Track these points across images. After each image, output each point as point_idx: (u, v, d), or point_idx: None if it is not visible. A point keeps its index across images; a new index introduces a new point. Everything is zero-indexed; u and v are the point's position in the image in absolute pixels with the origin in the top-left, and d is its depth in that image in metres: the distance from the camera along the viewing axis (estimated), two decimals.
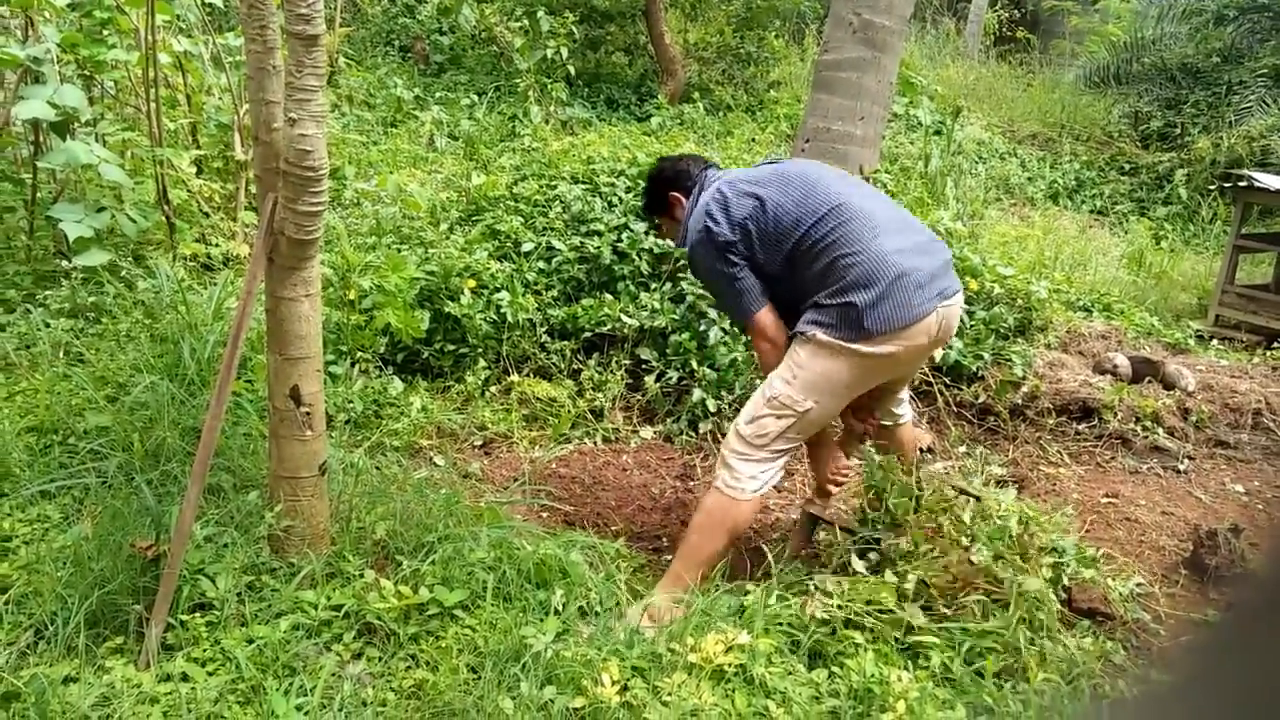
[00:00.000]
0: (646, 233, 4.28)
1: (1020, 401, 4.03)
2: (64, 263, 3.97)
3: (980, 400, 4.06)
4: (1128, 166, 10.01)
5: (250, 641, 2.05)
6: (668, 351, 4.00)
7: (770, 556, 2.54)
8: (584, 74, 9.71)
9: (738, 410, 3.03)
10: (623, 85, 10.09)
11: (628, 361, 4.02)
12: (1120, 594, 2.63)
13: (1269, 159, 8.84)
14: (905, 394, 3.03)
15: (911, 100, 9.01)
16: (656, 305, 4.06)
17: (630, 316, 4.02)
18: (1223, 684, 0.52)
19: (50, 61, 3.81)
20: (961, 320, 3.54)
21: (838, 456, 2.80)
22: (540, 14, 8.76)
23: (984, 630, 2.23)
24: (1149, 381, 4.23)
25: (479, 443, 3.65)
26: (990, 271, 4.49)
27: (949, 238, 4.59)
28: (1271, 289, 6.29)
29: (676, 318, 4.05)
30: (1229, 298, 6.11)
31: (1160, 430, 3.91)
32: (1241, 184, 6.18)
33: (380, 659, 2.09)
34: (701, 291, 4.08)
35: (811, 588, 2.35)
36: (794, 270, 2.54)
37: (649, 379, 3.92)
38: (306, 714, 1.90)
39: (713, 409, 3.82)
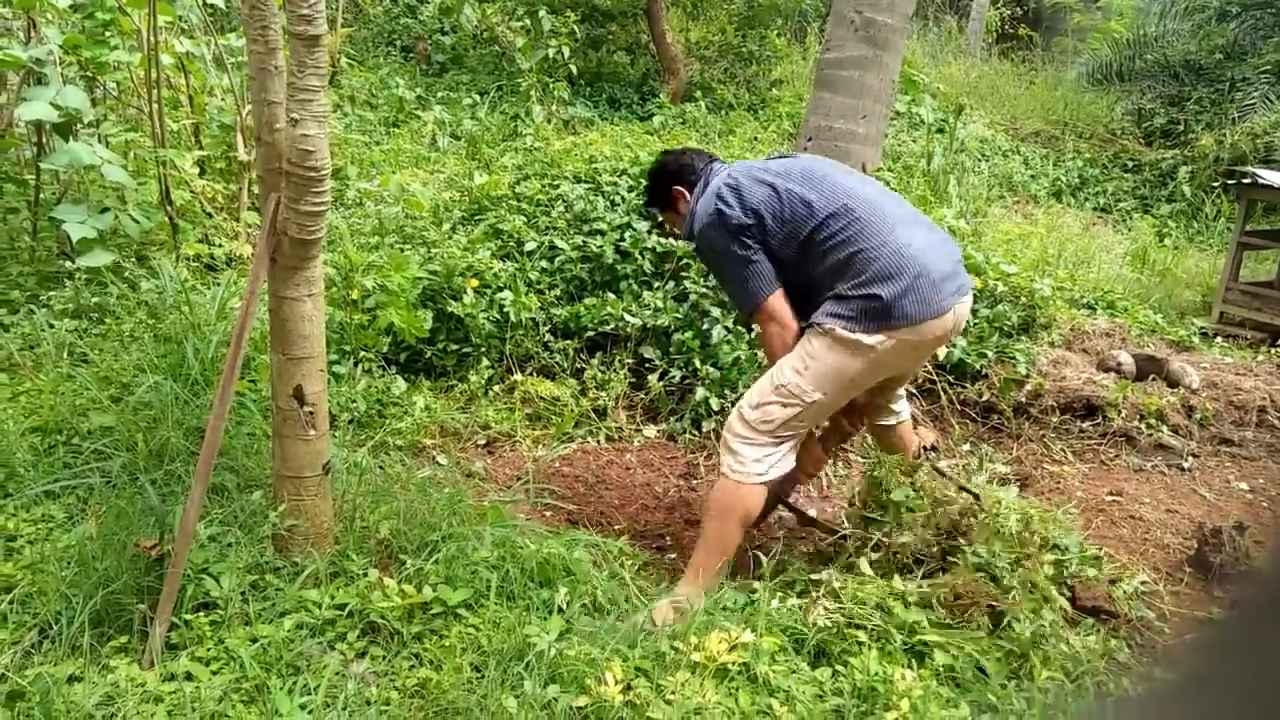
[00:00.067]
0: (649, 231, 4.28)
1: (1024, 399, 4.03)
2: (67, 263, 3.98)
3: (984, 398, 4.06)
4: (1131, 164, 9.99)
5: (254, 641, 2.05)
6: (671, 350, 4.00)
7: (764, 558, 2.54)
8: (586, 73, 9.71)
9: None
10: (625, 84, 10.09)
11: (631, 360, 4.02)
12: (1124, 592, 2.62)
13: (1272, 155, 8.82)
14: (903, 392, 3.02)
15: (914, 98, 9.00)
16: (659, 304, 4.06)
17: (633, 315, 4.02)
18: (1227, 682, 0.52)
19: (53, 63, 3.82)
20: None
21: (816, 449, 2.81)
22: (542, 13, 8.76)
23: (988, 633, 2.23)
24: (1153, 379, 4.22)
25: (482, 442, 3.65)
26: (994, 269, 4.48)
27: (953, 236, 4.58)
28: (1276, 286, 6.27)
29: (679, 316, 4.04)
30: (1233, 295, 6.09)
31: (1164, 428, 3.90)
32: (1245, 181, 6.17)
33: (384, 658, 2.09)
34: (705, 290, 4.07)
35: (816, 590, 2.34)
36: (807, 260, 2.54)
37: (652, 378, 3.92)
38: (310, 713, 1.90)
39: (716, 408, 3.82)
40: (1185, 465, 3.80)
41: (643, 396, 3.97)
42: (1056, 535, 2.60)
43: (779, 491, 2.78)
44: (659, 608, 2.36)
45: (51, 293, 3.82)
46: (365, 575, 2.27)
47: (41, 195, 4.26)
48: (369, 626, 2.16)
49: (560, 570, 2.40)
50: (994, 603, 2.29)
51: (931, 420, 4.04)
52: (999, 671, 2.15)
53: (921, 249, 2.44)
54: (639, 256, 4.22)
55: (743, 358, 3.86)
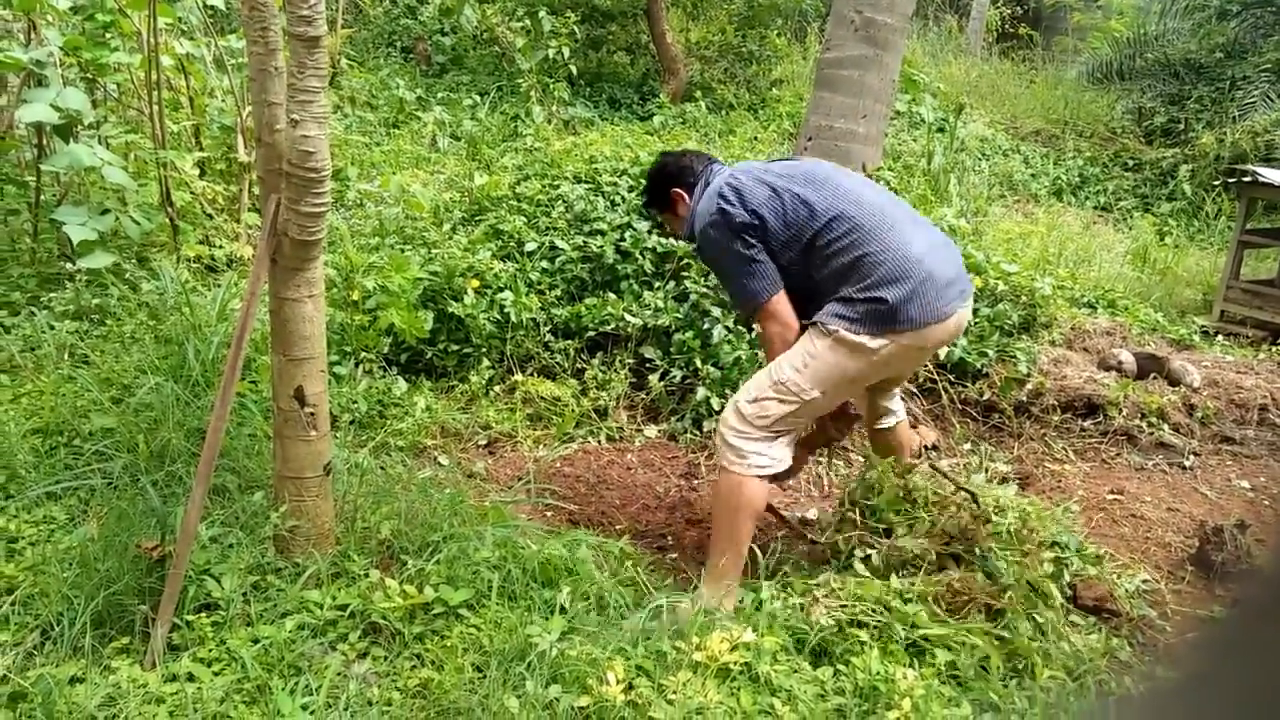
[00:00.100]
0: (649, 231, 4.28)
1: (1025, 398, 4.02)
2: (68, 265, 3.98)
3: (985, 397, 4.06)
4: (1131, 162, 9.99)
5: (256, 641, 2.06)
6: (671, 350, 4.00)
7: (761, 557, 2.54)
8: (586, 73, 9.71)
9: None
10: (625, 84, 10.09)
11: (631, 360, 4.02)
12: (1126, 590, 2.62)
13: (1273, 154, 8.82)
14: (898, 393, 3.03)
15: (914, 98, 9.00)
16: (660, 304, 4.06)
17: (634, 315, 4.02)
18: (1228, 681, 0.52)
19: (53, 65, 3.82)
20: None
21: (796, 452, 2.81)
22: (542, 14, 8.76)
23: (989, 634, 2.22)
24: (1154, 378, 4.22)
25: (483, 442, 3.66)
26: (994, 268, 4.48)
27: (953, 235, 4.59)
28: (1277, 284, 6.27)
29: (680, 316, 4.05)
30: (1234, 293, 6.09)
31: (1165, 426, 3.90)
32: (1246, 179, 6.16)
33: (385, 658, 2.09)
34: (705, 290, 4.07)
35: (816, 591, 2.34)
36: (810, 264, 2.54)
37: (653, 378, 3.92)
38: (312, 714, 1.90)
39: (717, 407, 3.81)
40: (1186, 464, 3.80)
41: (643, 396, 3.97)
42: (1057, 533, 2.61)
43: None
44: (681, 611, 2.34)
45: (52, 294, 3.83)
46: (367, 576, 2.27)
47: (42, 197, 4.27)
48: (370, 627, 2.16)
49: (563, 570, 2.40)
50: (991, 600, 2.29)
51: (932, 419, 4.04)
52: (998, 667, 2.15)
53: (925, 252, 2.45)
54: (639, 256, 4.22)
55: (743, 357, 3.86)
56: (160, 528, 2.30)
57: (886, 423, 2.96)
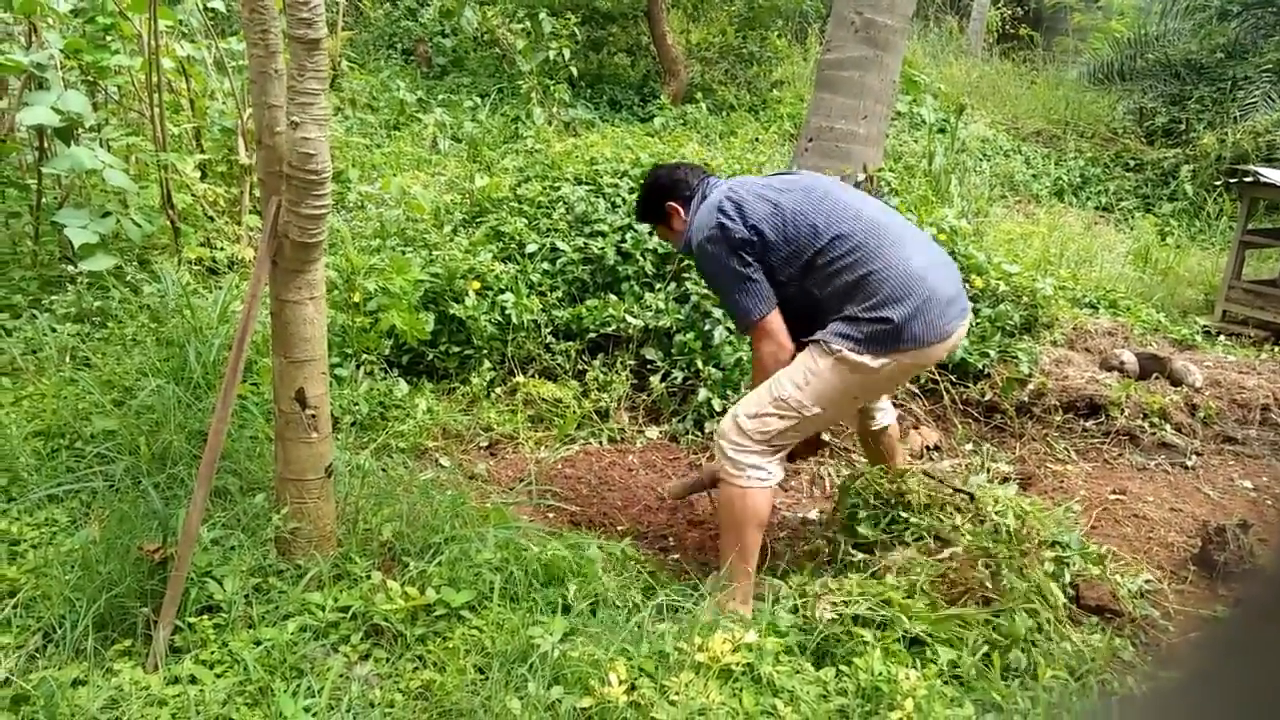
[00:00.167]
0: (650, 233, 4.28)
1: (1027, 399, 4.02)
2: (69, 268, 3.98)
3: (987, 398, 4.05)
4: (1133, 163, 9.99)
5: (258, 643, 2.06)
6: (672, 351, 4.00)
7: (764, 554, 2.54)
8: (586, 75, 9.72)
9: None
10: (625, 86, 10.10)
11: (632, 362, 4.02)
12: (1129, 590, 2.62)
13: (1274, 154, 8.82)
14: (887, 400, 3.02)
15: (915, 98, 9.00)
16: (661, 305, 4.06)
17: (635, 317, 4.02)
18: (1231, 680, 0.52)
19: (54, 67, 3.83)
20: None
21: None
22: (542, 16, 8.77)
23: (986, 619, 2.22)
24: (1156, 378, 4.22)
25: (484, 444, 3.66)
26: (995, 269, 4.48)
27: (954, 235, 4.59)
28: (1278, 284, 6.26)
29: (681, 318, 4.04)
30: (1236, 293, 6.08)
31: (1168, 427, 3.90)
32: (1247, 179, 6.16)
33: (387, 660, 2.09)
34: (706, 291, 4.07)
35: (816, 589, 2.34)
36: (811, 281, 2.52)
37: (654, 379, 3.92)
38: (314, 715, 1.90)
39: (718, 408, 3.81)
40: (1189, 464, 3.79)
41: (645, 398, 3.97)
42: (1058, 533, 2.60)
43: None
44: (701, 616, 2.32)
45: (54, 297, 3.83)
46: (368, 578, 2.27)
47: (43, 200, 4.27)
48: (372, 629, 2.16)
49: (567, 570, 2.40)
50: (988, 595, 2.29)
51: (934, 420, 4.03)
52: (996, 663, 2.15)
53: (926, 268, 2.45)
54: (640, 258, 4.22)
55: (745, 359, 3.86)
56: (162, 530, 2.30)
57: (877, 424, 2.96)
